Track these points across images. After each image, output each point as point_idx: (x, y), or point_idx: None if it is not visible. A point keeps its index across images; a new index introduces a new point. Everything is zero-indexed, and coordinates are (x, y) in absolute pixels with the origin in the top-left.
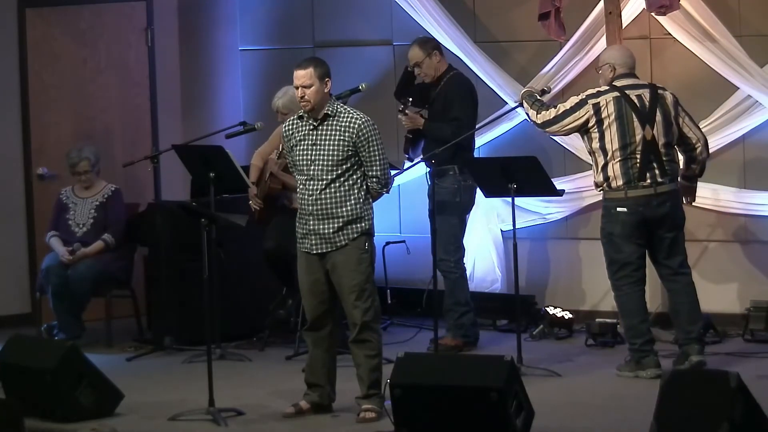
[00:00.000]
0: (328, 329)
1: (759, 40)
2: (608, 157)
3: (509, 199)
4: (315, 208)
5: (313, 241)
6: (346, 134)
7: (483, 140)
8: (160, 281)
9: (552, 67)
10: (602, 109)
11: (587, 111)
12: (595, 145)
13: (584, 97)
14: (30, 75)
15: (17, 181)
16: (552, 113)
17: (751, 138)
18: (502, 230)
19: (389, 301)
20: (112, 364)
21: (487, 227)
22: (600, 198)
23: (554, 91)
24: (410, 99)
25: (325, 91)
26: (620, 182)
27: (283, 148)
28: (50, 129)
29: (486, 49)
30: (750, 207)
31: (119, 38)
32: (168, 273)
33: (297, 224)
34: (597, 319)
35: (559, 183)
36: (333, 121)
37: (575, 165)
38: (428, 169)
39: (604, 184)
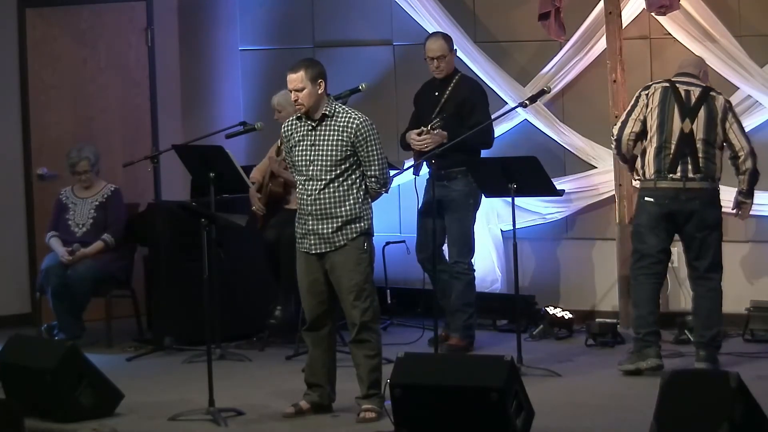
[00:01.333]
0: (327, 329)
1: (759, 40)
2: (646, 143)
3: (509, 199)
4: (314, 208)
5: (312, 241)
6: (344, 134)
7: None
8: (160, 281)
9: (552, 67)
10: (650, 96)
11: (642, 102)
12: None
13: (638, 93)
14: (30, 75)
15: (17, 181)
16: (618, 122)
17: (751, 138)
18: (502, 230)
19: (389, 301)
20: (112, 364)
21: (487, 227)
22: (598, 199)
23: (554, 91)
24: (444, 115)
25: (320, 92)
26: (652, 172)
27: (281, 147)
28: (50, 129)
29: (486, 49)
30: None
31: (119, 38)
32: (168, 273)
33: (296, 224)
34: (597, 319)
35: (559, 183)
36: (331, 121)
37: (575, 165)
38: (428, 170)
39: (640, 172)
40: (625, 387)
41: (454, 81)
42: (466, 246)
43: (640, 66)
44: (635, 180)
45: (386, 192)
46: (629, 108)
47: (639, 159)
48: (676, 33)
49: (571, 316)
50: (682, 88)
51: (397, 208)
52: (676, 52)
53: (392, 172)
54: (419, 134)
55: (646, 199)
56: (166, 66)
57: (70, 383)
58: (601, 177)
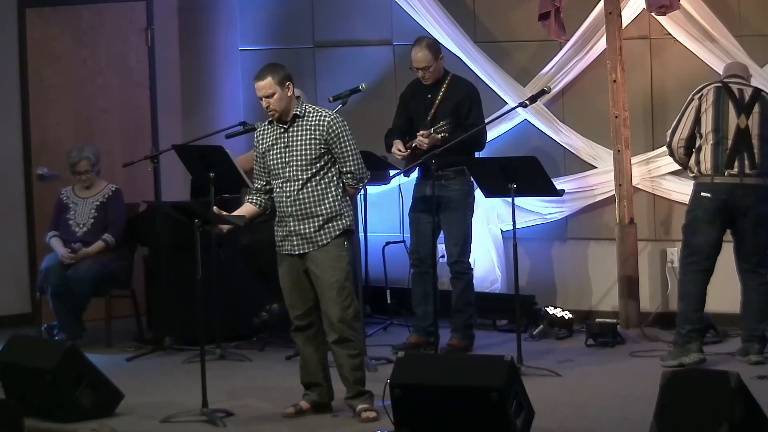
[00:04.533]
0: (315, 327)
1: (759, 40)
2: (701, 141)
3: (509, 199)
4: (294, 209)
5: (295, 242)
6: (317, 132)
7: None
8: (160, 281)
9: (552, 67)
10: (703, 97)
11: (694, 105)
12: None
13: (690, 97)
14: (30, 75)
15: (17, 181)
16: (671, 127)
17: None
18: (502, 230)
19: (389, 301)
20: (112, 364)
21: (487, 227)
22: (598, 199)
23: (554, 91)
24: (448, 120)
25: (289, 95)
26: (709, 167)
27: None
28: (50, 129)
29: (486, 49)
30: None
31: (119, 38)
32: (168, 273)
33: (276, 228)
34: (597, 319)
35: (559, 183)
36: (302, 121)
37: (575, 165)
38: (418, 171)
39: (695, 168)
40: (625, 387)
41: (446, 83)
42: (467, 245)
43: (640, 66)
44: (690, 176)
45: (363, 186)
46: (680, 113)
47: (694, 155)
48: (676, 33)
49: (571, 316)
50: (734, 87)
51: (398, 208)
52: (676, 52)
53: (393, 173)
54: (424, 136)
55: (702, 194)
56: (166, 66)
57: (69, 383)
58: (601, 177)
